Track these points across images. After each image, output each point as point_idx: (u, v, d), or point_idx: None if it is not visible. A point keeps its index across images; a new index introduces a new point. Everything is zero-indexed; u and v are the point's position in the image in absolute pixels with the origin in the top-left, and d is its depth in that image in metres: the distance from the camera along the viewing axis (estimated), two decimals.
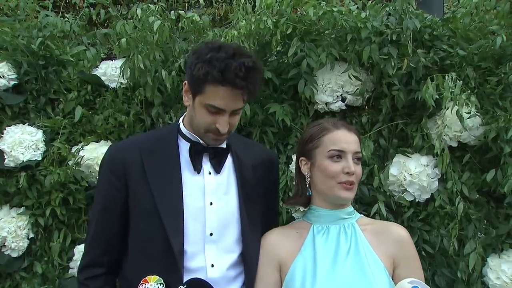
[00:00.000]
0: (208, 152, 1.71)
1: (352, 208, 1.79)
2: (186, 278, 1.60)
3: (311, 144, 1.76)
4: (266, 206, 1.82)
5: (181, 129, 1.74)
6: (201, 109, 1.61)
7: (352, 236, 1.71)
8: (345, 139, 1.72)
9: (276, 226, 1.97)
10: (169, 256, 1.61)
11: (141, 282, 1.50)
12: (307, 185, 1.78)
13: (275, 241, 1.76)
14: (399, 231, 1.74)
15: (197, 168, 1.70)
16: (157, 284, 1.50)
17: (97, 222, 1.73)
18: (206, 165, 1.71)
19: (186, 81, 1.66)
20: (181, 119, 1.78)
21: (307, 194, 1.79)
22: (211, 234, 1.67)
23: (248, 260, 1.72)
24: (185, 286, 1.54)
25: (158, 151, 1.70)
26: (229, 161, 1.76)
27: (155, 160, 1.69)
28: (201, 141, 1.70)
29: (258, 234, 1.77)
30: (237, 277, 1.71)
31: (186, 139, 1.72)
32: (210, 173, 1.71)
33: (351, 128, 1.77)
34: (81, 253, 1.86)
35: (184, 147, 1.72)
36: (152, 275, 1.52)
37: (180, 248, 1.61)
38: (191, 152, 1.70)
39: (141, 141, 1.79)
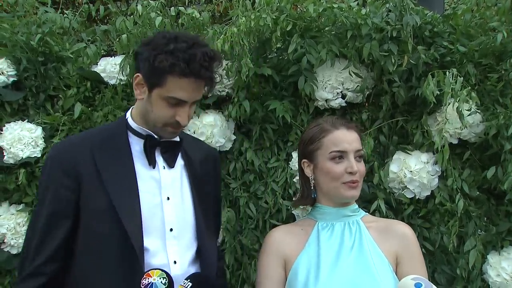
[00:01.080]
0: (160, 146, 1.67)
1: (357, 206, 1.80)
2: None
3: (312, 146, 1.76)
4: (213, 202, 1.81)
5: (130, 125, 1.68)
6: (160, 102, 1.56)
7: (357, 232, 1.72)
8: (345, 138, 1.72)
9: (219, 224, 1.99)
10: (129, 255, 1.54)
11: (144, 277, 1.47)
12: (312, 187, 1.78)
13: (280, 238, 1.76)
14: (403, 229, 1.75)
15: (152, 162, 1.65)
16: (160, 278, 1.47)
17: (44, 226, 1.58)
18: (159, 160, 1.67)
19: (138, 74, 1.60)
20: (128, 114, 1.71)
21: (312, 196, 1.79)
22: (171, 230, 1.63)
23: (204, 255, 1.68)
24: (188, 280, 1.54)
25: (110, 147, 1.63)
26: (178, 156, 1.72)
27: (108, 158, 1.61)
28: (154, 136, 1.65)
29: (211, 229, 1.75)
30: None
31: (137, 134, 1.66)
32: (164, 167, 1.67)
33: (350, 126, 1.77)
34: None
35: (135, 143, 1.66)
36: (154, 270, 1.49)
37: (141, 246, 1.55)
38: (146, 147, 1.65)
39: (91, 137, 1.68)
